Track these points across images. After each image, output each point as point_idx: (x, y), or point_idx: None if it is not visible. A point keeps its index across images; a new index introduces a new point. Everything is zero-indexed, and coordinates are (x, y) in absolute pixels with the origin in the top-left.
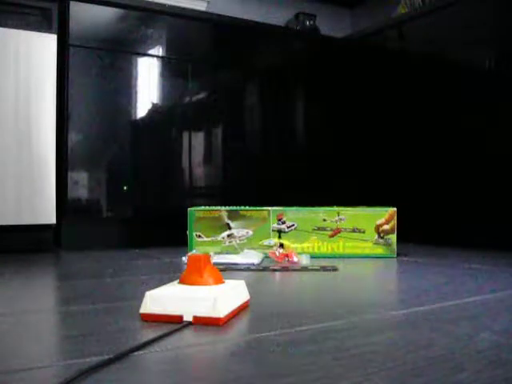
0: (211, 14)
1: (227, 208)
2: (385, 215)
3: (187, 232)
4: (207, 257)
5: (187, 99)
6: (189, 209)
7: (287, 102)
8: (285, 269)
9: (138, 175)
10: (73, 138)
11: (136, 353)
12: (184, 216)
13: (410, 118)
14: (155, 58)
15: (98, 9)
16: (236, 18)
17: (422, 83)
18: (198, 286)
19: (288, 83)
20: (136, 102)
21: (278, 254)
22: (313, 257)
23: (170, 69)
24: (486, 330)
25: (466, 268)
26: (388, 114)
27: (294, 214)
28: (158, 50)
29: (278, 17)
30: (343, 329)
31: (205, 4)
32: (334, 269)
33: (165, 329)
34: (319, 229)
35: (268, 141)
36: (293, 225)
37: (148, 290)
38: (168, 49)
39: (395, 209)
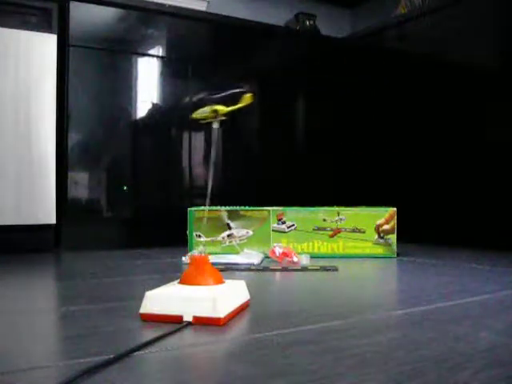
0: (211, 14)
1: (227, 208)
2: (385, 215)
3: (187, 232)
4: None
5: (187, 99)
6: (189, 209)
7: (287, 102)
8: (285, 269)
9: (138, 175)
10: (73, 137)
11: (136, 353)
12: (184, 216)
13: (409, 118)
14: (155, 58)
15: (98, 9)
16: (236, 18)
17: (421, 83)
18: (197, 286)
19: (288, 83)
20: (136, 101)
21: (278, 253)
22: (313, 257)
23: (170, 69)
24: (486, 330)
25: (467, 268)
26: (388, 114)
27: (293, 214)
28: (158, 50)
29: (278, 17)
30: (343, 329)
31: (205, 4)
32: (334, 269)
33: (165, 329)
34: (319, 229)
35: (268, 141)
36: (293, 225)
37: (148, 289)
38: (168, 49)
39: (395, 209)
